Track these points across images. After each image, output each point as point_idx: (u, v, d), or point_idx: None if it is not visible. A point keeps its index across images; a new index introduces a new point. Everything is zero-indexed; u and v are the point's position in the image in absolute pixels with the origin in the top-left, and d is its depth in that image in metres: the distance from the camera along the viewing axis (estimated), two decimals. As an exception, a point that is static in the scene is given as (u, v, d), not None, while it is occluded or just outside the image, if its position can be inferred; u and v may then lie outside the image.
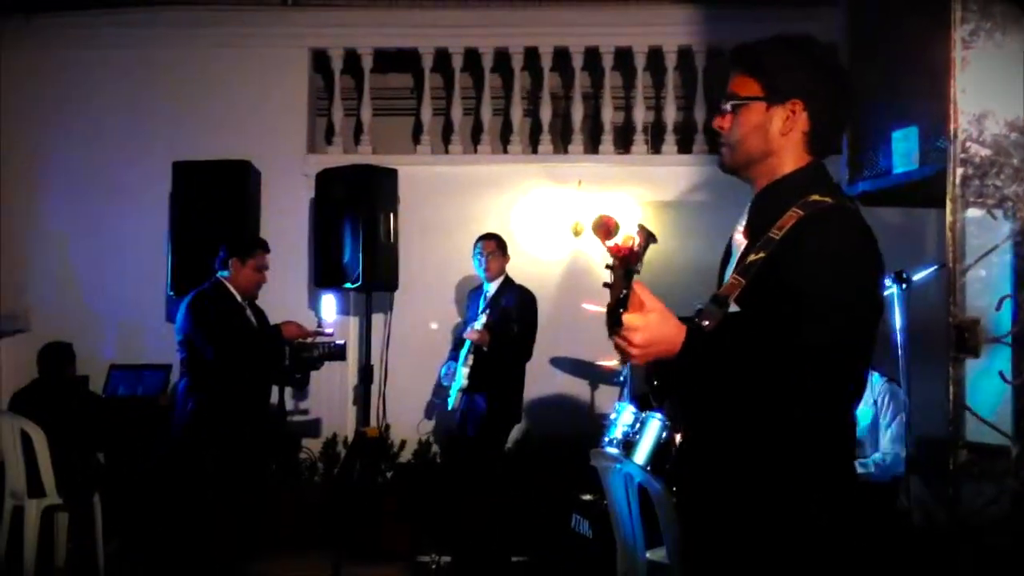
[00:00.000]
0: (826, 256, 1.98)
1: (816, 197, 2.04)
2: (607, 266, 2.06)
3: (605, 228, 2.03)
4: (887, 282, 4.67)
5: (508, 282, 6.31)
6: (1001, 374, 3.02)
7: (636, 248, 2.02)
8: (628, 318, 1.97)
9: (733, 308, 2.07)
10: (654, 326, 1.98)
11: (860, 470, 4.93)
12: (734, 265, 2.17)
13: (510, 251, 6.46)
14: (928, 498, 4.91)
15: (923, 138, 3.37)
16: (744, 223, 2.22)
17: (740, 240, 2.21)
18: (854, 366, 2.03)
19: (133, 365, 6.98)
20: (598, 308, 2.19)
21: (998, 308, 3.00)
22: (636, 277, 2.03)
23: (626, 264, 2.02)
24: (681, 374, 2.03)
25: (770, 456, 2.02)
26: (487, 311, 6.21)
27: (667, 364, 2.02)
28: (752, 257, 2.09)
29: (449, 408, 6.38)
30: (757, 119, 2.14)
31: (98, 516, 5.77)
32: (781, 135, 2.13)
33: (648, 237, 2.04)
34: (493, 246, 6.31)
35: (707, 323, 2.07)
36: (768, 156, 2.15)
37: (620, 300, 2.00)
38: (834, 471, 2.04)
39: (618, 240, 2.04)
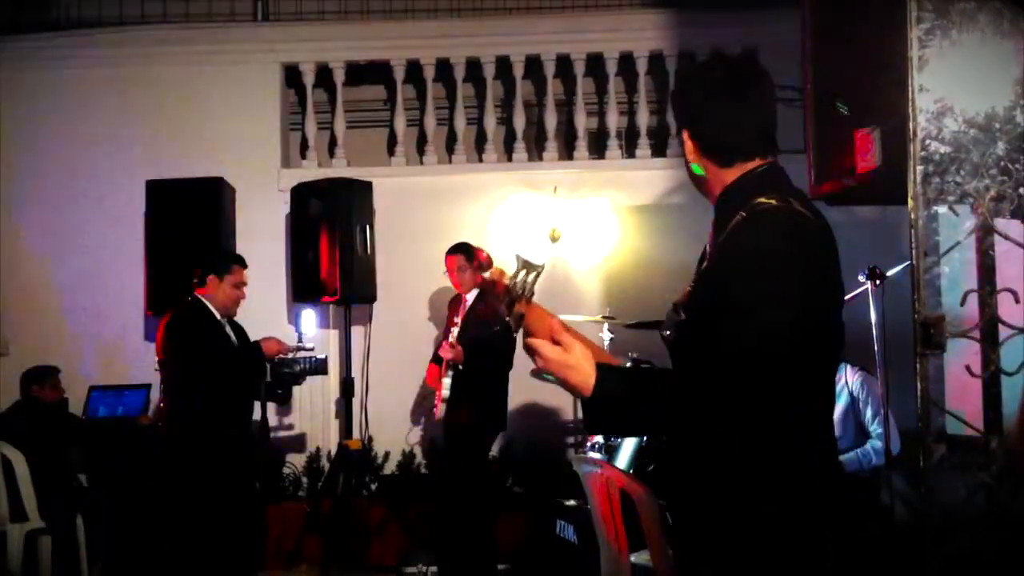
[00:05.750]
0: (747, 256, 1.98)
1: (762, 199, 2.04)
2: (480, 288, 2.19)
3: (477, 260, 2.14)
4: (860, 278, 4.71)
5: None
6: (968, 368, 3.04)
7: (508, 283, 2.12)
8: (538, 348, 1.99)
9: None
10: (557, 368, 1.98)
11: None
12: None
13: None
14: (909, 493, 4.94)
15: (885, 136, 3.40)
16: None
17: (710, 251, 2.23)
18: (796, 363, 1.96)
19: (113, 386, 6.96)
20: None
21: (962, 303, 3.03)
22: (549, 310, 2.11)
23: (496, 295, 2.15)
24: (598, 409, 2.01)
25: (729, 460, 2.02)
26: (464, 321, 6.12)
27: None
28: (705, 264, 2.15)
29: (436, 419, 6.34)
30: (684, 154, 2.24)
31: (81, 539, 5.76)
32: (693, 162, 2.21)
33: (525, 267, 2.11)
34: (460, 262, 6.14)
35: (668, 333, 2.11)
36: (703, 182, 2.22)
37: (505, 323, 2.10)
38: (795, 470, 2.03)
39: (484, 275, 2.18)
